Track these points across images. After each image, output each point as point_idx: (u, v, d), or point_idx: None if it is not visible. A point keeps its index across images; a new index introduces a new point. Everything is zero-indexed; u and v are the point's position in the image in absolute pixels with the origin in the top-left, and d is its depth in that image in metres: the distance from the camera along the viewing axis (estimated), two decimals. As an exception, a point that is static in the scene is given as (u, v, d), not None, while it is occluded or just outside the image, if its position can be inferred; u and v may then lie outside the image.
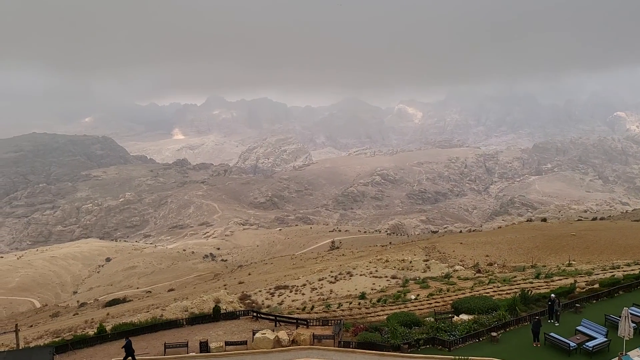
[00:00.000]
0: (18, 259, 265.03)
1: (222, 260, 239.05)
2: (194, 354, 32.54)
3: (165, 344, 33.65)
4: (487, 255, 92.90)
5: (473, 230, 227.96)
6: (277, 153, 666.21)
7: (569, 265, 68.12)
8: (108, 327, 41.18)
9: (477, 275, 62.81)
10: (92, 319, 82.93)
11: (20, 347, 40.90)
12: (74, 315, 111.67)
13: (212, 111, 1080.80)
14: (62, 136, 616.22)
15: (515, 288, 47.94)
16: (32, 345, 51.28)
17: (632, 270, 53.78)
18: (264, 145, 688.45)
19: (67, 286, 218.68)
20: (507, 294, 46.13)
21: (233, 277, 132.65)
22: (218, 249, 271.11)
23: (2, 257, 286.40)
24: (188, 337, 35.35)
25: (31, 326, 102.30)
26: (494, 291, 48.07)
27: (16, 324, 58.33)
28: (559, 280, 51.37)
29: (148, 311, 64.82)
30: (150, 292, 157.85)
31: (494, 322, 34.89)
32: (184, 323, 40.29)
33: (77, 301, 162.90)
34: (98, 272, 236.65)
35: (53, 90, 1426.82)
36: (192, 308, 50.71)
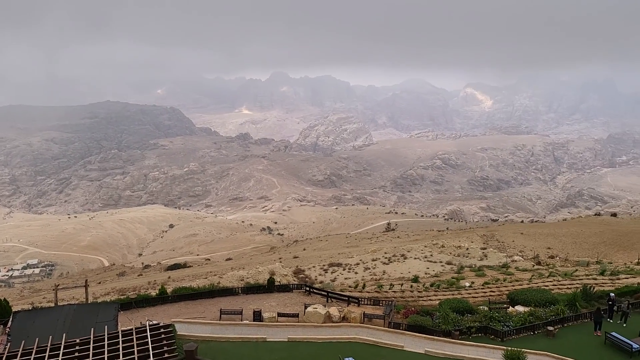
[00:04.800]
0: (90, 219, 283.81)
1: (279, 234, 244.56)
2: (247, 322, 33.72)
3: (221, 310, 35.12)
4: (549, 248, 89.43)
5: (535, 221, 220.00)
6: (338, 132, 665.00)
7: (639, 263, 64.28)
8: (169, 290, 43.47)
9: (537, 267, 60.64)
10: (155, 280, 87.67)
11: (89, 302, 44.00)
12: (138, 275, 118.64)
13: (275, 87, 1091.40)
14: (133, 105, 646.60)
15: (577, 283, 46.03)
16: (99, 300, 55.04)
17: None
18: (325, 123, 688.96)
19: (133, 248, 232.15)
20: (567, 288, 44.40)
21: (288, 251, 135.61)
22: (275, 222, 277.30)
23: (75, 217, 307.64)
24: (243, 305, 36.65)
25: (99, 283, 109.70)
26: (553, 285, 46.37)
27: (86, 280, 62.65)
28: (626, 278, 48.73)
29: (206, 278, 67.66)
30: (209, 259, 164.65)
31: (551, 316, 33.81)
32: (240, 292, 41.78)
33: (142, 263, 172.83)
34: (161, 237, 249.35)
35: (130, 62, 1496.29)
36: (247, 278, 52.47)
